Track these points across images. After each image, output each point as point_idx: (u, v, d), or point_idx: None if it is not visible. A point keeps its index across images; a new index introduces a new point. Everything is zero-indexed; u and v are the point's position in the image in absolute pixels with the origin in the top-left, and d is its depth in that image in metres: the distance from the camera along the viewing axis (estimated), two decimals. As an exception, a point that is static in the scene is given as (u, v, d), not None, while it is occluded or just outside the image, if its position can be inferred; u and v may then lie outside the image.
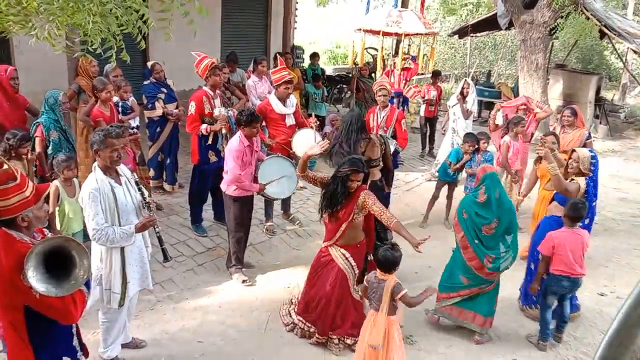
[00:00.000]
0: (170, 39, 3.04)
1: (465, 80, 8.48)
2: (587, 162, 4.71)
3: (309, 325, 4.31)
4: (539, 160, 5.81)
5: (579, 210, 4.21)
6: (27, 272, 2.39)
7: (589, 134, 6.72)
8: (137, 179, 3.75)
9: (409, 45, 11.97)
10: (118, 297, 3.59)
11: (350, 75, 12.05)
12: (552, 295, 4.36)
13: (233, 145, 4.84)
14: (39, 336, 2.64)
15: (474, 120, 9.08)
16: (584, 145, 6.41)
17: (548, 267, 4.30)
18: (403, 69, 9.46)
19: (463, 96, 8.23)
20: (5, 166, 2.55)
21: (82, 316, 2.85)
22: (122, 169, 3.66)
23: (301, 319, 4.36)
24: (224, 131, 5.61)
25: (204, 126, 5.54)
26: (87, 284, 2.77)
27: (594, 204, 5.00)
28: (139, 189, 3.69)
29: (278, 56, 6.44)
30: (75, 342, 2.89)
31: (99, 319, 3.75)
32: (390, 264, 3.52)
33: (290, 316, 4.47)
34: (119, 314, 3.71)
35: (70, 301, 2.57)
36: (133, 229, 3.46)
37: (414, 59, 9.61)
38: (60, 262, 2.52)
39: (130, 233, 3.44)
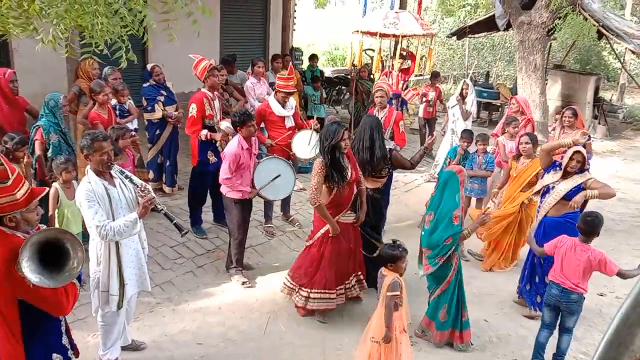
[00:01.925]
0: (174, 39, 3.06)
1: (465, 81, 8.48)
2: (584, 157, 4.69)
3: (329, 291, 4.56)
4: (517, 157, 5.76)
5: (587, 223, 3.93)
6: (21, 262, 2.42)
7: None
8: (122, 169, 3.71)
9: (408, 46, 11.99)
10: (116, 299, 3.58)
11: (349, 77, 12.07)
12: (546, 308, 4.20)
13: (231, 148, 4.85)
14: (29, 333, 2.65)
15: (472, 121, 9.08)
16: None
17: (541, 255, 4.39)
18: (401, 70, 9.47)
19: (462, 97, 8.23)
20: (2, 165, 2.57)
21: (79, 315, 2.85)
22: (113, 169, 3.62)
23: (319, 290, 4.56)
24: (217, 144, 5.62)
25: (204, 132, 5.55)
26: (79, 278, 2.77)
27: None
28: (127, 177, 3.63)
29: (290, 64, 6.40)
30: (65, 340, 2.90)
31: (97, 322, 3.75)
32: (382, 259, 3.67)
33: (304, 295, 4.61)
34: (117, 317, 3.71)
35: (62, 292, 2.59)
36: (136, 214, 3.43)
37: (411, 53, 9.60)
38: (55, 254, 2.55)
39: (134, 220, 3.41)
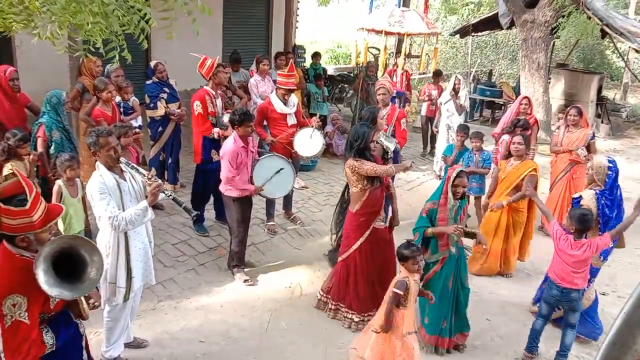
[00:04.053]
0: (172, 38, 3.05)
1: (456, 76, 8.58)
2: (603, 172, 4.51)
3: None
4: (506, 157, 5.66)
5: (578, 219, 3.99)
6: (37, 277, 2.36)
7: (593, 133, 6.70)
8: (127, 161, 3.72)
9: (411, 44, 11.97)
10: (123, 291, 3.61)
11: (352, 74, 12.04)
12: (544, 304, 4.22)
13: (227, 148, 4.84)
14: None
15: (474, 120, 9.08)
16: (588, 146, 6.38)
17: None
18: (405, 70, 9.48)
19: (455, 92, 8.27)
20: (15, 177, 2.52)
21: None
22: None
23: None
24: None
25: (216, 130, 5.57)
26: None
27: (613, 215, 4.62)
28: (132, 167, 3.66)
29: (291, 61, 6.39)
30: (84, 356, 2.92)
31: (103, 318, 3.76)
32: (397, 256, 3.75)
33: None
34: (123, 312, 3.72)
35: (19, 343, 2.48)
36: (145, 202, 3.45)
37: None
38: (70, 262, 2.50)
39: (144, 208, 3.43)
